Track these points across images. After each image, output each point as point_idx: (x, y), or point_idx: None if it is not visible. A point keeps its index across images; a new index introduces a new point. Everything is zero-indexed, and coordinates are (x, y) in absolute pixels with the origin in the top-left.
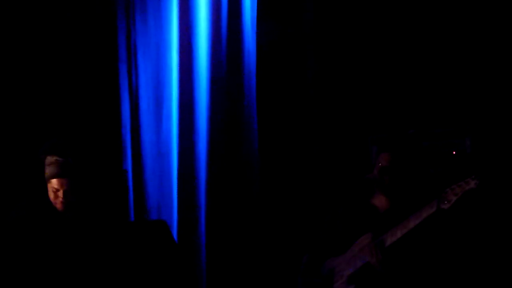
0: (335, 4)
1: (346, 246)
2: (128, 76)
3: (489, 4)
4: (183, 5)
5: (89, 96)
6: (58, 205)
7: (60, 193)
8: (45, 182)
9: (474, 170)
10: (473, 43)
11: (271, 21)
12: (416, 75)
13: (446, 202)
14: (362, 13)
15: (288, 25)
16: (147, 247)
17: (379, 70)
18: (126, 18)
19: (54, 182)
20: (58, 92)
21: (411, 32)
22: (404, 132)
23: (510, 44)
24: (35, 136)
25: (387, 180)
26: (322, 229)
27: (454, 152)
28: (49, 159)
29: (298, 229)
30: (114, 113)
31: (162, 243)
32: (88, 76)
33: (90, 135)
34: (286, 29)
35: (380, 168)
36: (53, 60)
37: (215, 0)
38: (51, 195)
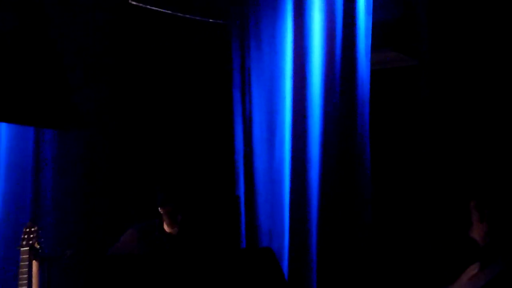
0: (453, 34)
1: (453, 276)
2: (242, 102)
3: None
4: (298, 32)
5: (204, 122)
6: (169, 228)
7: (167, 217)
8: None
9: None
10: None
11: (384, 50)
12: None
13: None
14: (480, 44)
15: (403, 54)
16: (252, 276)
17: (497, 102)
18: (240, 44)
19: (162, 207)
20: (175, 118)
21: None
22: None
23: None
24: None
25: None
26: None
27: None
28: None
29: (411, 257)
30: (228, 138)
31: (267, 271)
32: (203, 101)
33: (204, 160)
34: (401, 58)
35: None
36: (171, 87)
37: (329, 28)
38: (164, 219)
